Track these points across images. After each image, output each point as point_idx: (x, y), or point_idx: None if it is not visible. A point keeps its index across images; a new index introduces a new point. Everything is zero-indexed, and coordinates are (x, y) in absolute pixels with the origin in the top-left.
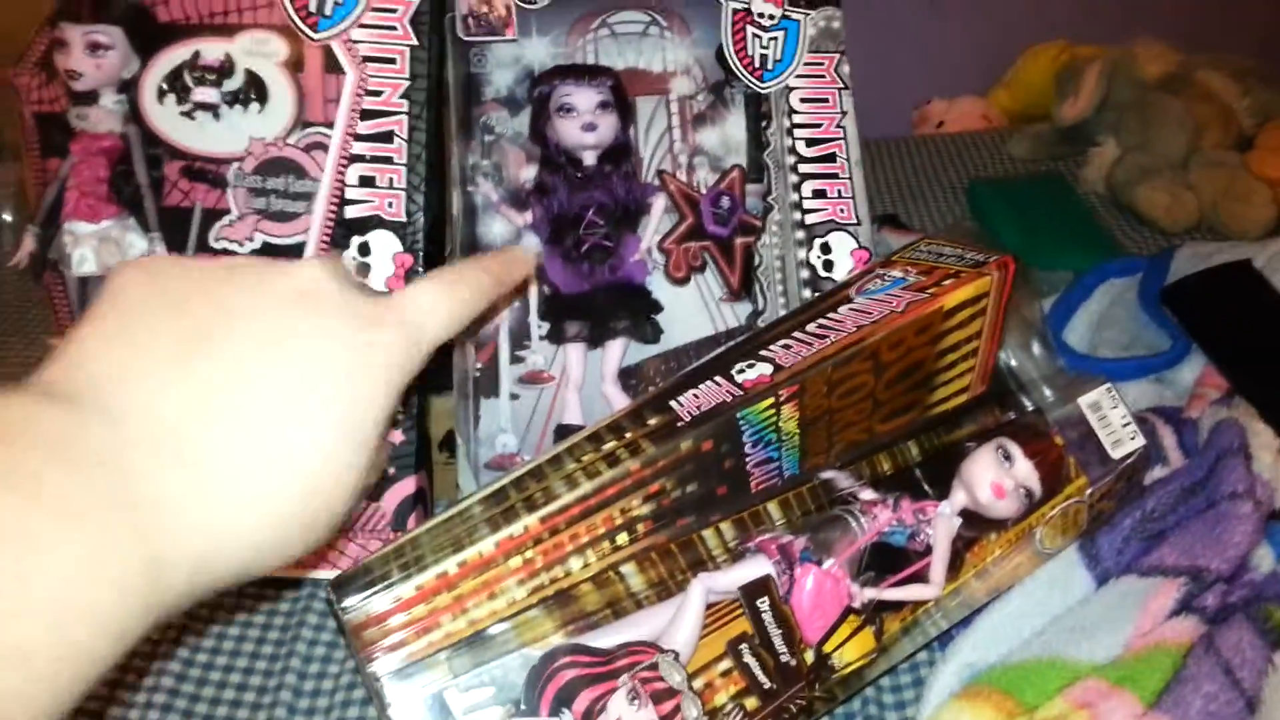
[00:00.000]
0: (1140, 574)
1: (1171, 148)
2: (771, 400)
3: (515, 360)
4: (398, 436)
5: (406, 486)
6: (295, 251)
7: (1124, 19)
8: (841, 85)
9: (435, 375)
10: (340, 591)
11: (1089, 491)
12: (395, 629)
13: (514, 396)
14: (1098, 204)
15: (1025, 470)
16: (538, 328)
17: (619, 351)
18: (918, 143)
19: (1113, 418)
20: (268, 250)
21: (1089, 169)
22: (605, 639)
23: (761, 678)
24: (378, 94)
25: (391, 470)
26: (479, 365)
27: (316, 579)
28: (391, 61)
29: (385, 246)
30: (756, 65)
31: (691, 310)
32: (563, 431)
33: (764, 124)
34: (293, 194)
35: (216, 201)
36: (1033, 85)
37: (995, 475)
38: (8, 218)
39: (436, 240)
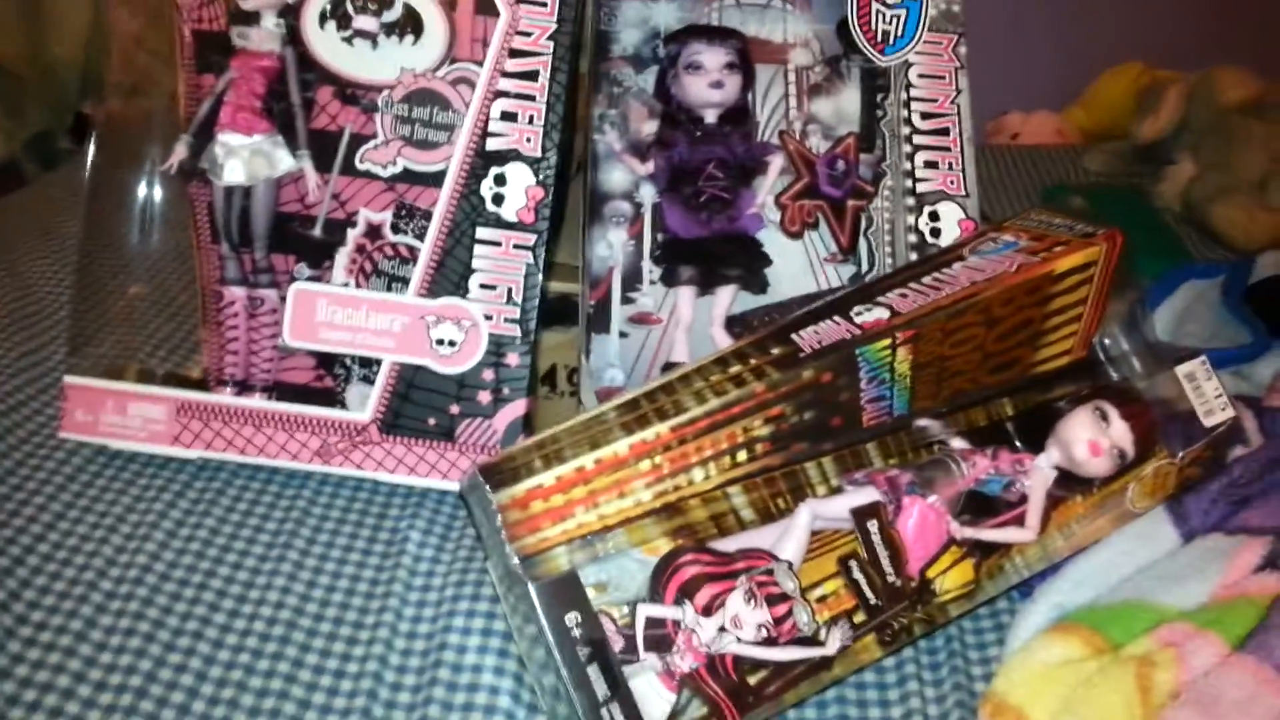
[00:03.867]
0: (1227, 533)
1: (1251, 168)
2: (888, 341)
3: (626, 301)
4: (514, 359)
5: (518, 408)
6: (435, 179)
7: (1201, 46)
8: (958, 64)
9: (554, 309)
10: (486, 474)
11: (1180, 455)
12: (536, 514)
13: (623, 334)
14: (1171, 220)
15: (1120, 431)
16: (650, 272)
17: (728, 298)
18: (995, 152)
19: (1206, 388)
20: (408, 175)
21: (1165, 185)
22: (726, 545)
23: (869, 594)
24: (527, 34)
25: (505, 391)
26: (591, 303)
27: (425, 488)
28: (543, 5)
29: (520, 179)
30: (879, 39)
31: (797, 267)
32: (670, 369)
33: (880, 97)
34: (436, 124)
35: (363, 126)
36: (1110, 104)
37: (1092, 434)
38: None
39: (562, 178)
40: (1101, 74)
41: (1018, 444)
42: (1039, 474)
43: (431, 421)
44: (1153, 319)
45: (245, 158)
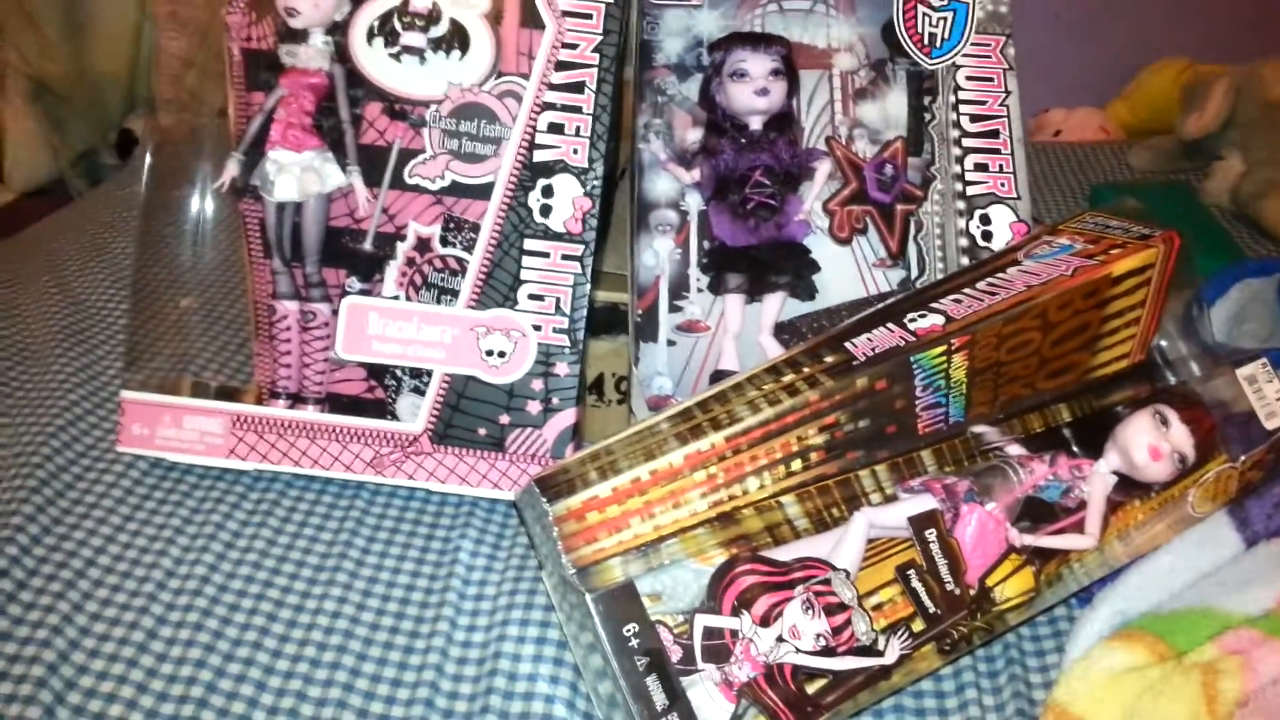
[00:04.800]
0: None
1: None
2: (944, 348)
3: (673, 309)
4: (563, 369)
5: (567, 417)
6: (483, 191)
7: (1244, 41)
8: (1007, 66)
9: (603, 319)
10: (542, 486)
11: (1242, 459)
12: (591, 525)
13: (671, 343)
14: (1220, 217)
15: (1181, 435)
16: (697, 280)
17: (777, 305)
18: (1039, 149)
19: (1268, 391)
20: (456, 188)
21: (1213, 181)
22: (782, 554)
23: (927, 602)
24: (573, 47)
25: (555, 401)
26: (639, 311)
27: (476, 497)
28: (588, 17)
29: (567, 190)
30: (925, 42)
31: (846, 273)
32: (718, 377)
33: (928, 100)
34: (483, 137)
35: (411, 140)
36: (1154, 100)
37: (1152, 438)
38: (110, 161)
39: (608, 188)
40: (1144, 69)
41: (1075, 449)
42: (1098, 479)
43: (482, 431)
44: (1209, 320)
45: (296, 174)
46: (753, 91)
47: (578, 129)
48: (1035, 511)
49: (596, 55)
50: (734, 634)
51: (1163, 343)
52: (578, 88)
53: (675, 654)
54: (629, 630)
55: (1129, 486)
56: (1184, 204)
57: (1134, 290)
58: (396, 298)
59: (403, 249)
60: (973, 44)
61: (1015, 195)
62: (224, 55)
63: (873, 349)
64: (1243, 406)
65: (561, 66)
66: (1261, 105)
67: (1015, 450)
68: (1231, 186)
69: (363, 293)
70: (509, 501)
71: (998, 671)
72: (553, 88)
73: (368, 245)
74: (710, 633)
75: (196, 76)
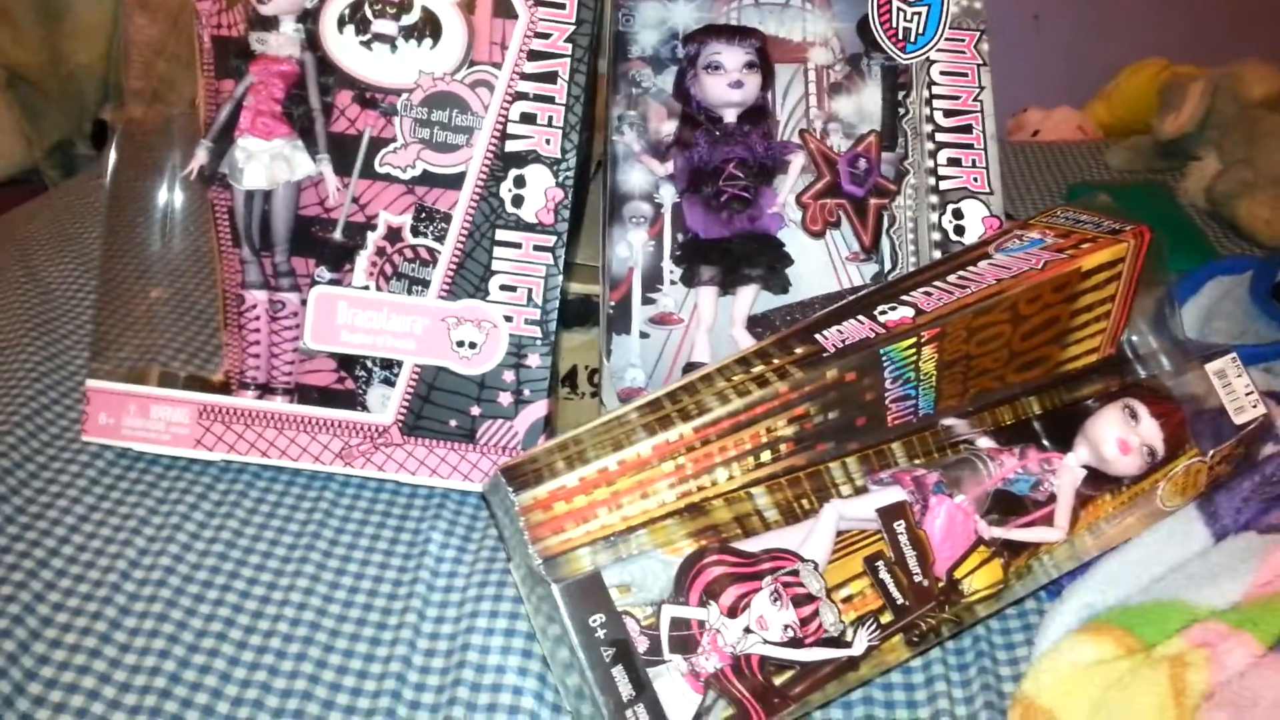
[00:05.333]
0: (1260, 531)
1: (1276, 164)
2: (913, 340)
3: (646, 302)
4: (534, 361)
5: (539, 409)
6: (455, 181)
7: (1222, 42)
8: (980, 61)
9: (576, 311)
10: (509, 476)
11: (1211, 453)
12: (559, 515)
13: (644, 335)
14: (1195, 216)
15: (1151, 429)
16: (670, 272)
17: (750, 298)
18: (1017, 149)
19: (1237, 385)
20: (428, 178)
21: (1188, 181)
22: (750, 545)
23: (896, 594)
24: (546, 36)
25: (526, 393)
26: (612, 303)
27: (447, 489)
28: (561, 6)
29: (539, 180)
30: (900, 37)
31: (819, 266)
32: (691, 369)
33: (902, 94)
34: (455, 127)
35: (382, 129)
36: (1132, 100)
37: (1122, 432)
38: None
39: (581, 179)
40: (1122, 70)
41: (1045, 443)
42: (1068, 472)
43: (452, 423)
44: (1180, 316)
45: (265, 162)
46: (727, 84)
47: (550, 119)
48: (1005, 504)
49: (570, 45)
50: (701, 625)
51: (1133, 337)
52: (550, 77)
53: (642, 645)
54: (595, 621)
55: (1099, 480)
56: (1160, 203)
57: (1104, 285)
58: (366, 288)
59: (373, 238)
60: (947, 39)
61: (988, 190)
62: (194, 42)
63: (843, 341)
64: (1212, 401)
65: (534, 56)
66: (1239, 106)
67: (985, 443)
68: (1207, 186)
69: (332, 282)
70: (479, 494)
71: (967, 664)
72: (525, 77)
73: (337, 234)
74: (677, 623)
75: (166, 64)
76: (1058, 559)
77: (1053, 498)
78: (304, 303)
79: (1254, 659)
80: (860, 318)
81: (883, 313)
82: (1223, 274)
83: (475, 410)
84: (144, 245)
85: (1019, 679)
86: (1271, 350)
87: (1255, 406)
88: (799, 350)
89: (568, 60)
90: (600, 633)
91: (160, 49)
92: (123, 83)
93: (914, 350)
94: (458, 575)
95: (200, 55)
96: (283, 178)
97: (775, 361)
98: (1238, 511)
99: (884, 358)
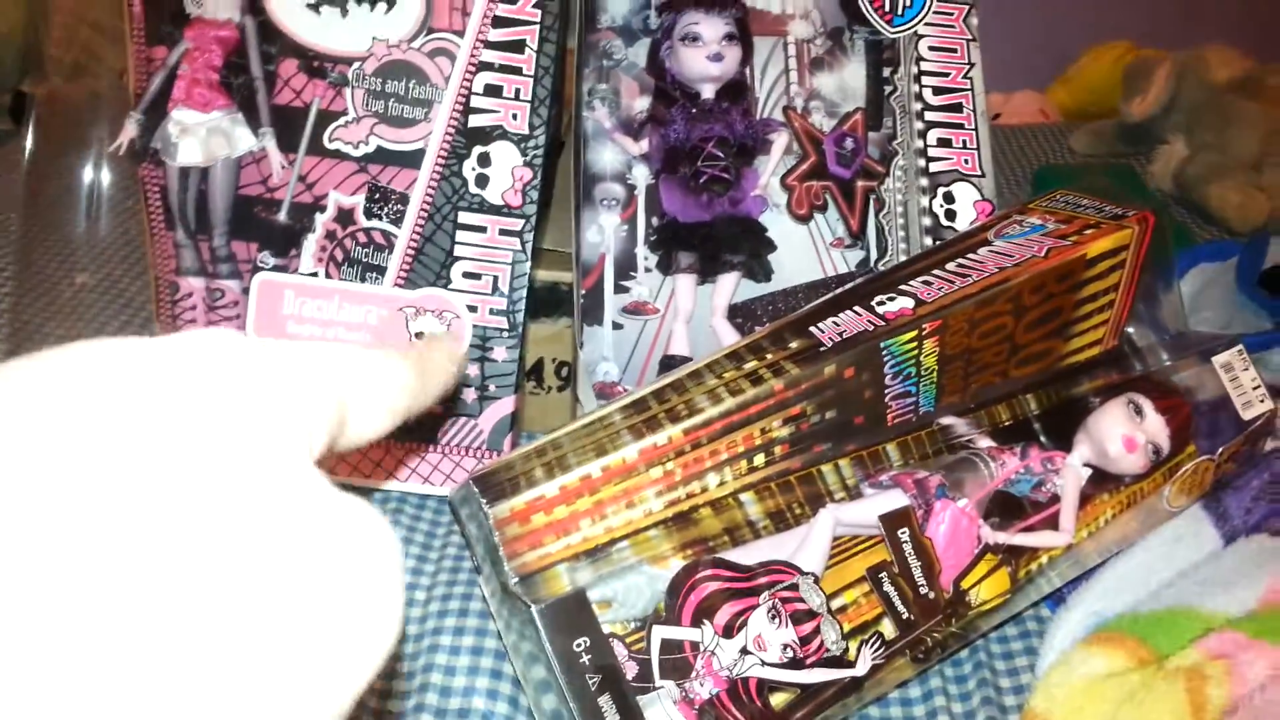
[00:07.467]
0: (1271, 534)
1: (1246, 148)
2: (915, 333)
3: (620, 290)
4: (500, 354)
5: (505, 406)
6: (412, 159)
7: (1184, 25)
8: (970, 37)
9: (543, 299)
10: (482, 486)
11: (1220, 450)
12: (537, 529)
13: (617, 326)
14: (1164, 201)
15: (1156, 425)
16: (645, 259)
17: (731, 286)
18: None
19: (1244, 379)
20: (382, 155)
21: (1157, 165)
22: (744, 556)
23: (900, 607)
24: (512, 2)
25: (491, 388)
26: (583, 292)
27: (405, 493)
28: None
29: (506, 159)
30: (887, 9)
31: (801, 252)
32: (668, 363)
33: (888, 71)
34: (413, 99)
35: (331, 101)
36: (1094, 83)
37: (1127, 429)
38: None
39: (549, 158)
40: (1085, 53)
41: (1043, 441)
42: (1071, 473)
43: (411, 421)
44: (1184, 306)
45: (202, 136)
46: (705, 57)
47: (517, 92)
48: (1004, 506)
49: (538, 11)
50: (695, 646)
51: (1130, 329)
52: (517, 46)
53: (630, 670)
54: (579, 645)
55: (1099, 478)
56: (1130, 187)
57: (1108, 273)
58: (315, 274)
59: (322, 221)
60: (935, 12)
61: (979, 172)
62: (122, 5)
63: (840, 334)
64: (1214, 395)
65: (499, 23)
66: (1206, 90)
67: (985, 443)
68: (1175, 170)
69: (277, 268)
70: (440, 497)
71: (965, 677)
72: (490, 46)
73: (282, 216)
74: (669, 645)
75: (90, 32)
76: (1058, 564)
77: (1055, 499)
78: (245, 291)
79: (1276, 671)
80: (857, 309)
81: (881, 303)
82: (1205, 261)
83: (436, 408)
84: (67, 227)
85: (1020, 690)
86: (1263, 339)
87: (1263, 401)
88: (794, 344)
89: (536, 28)
90: (585, 658)
91: (84, 14)
92: (43, 51)
93: (915, 344)
94: (418, 588)
95: (129, 19)
96: (221, 153)
97: (769, 356)
98: (1247, 512)
99: (884, 352)
